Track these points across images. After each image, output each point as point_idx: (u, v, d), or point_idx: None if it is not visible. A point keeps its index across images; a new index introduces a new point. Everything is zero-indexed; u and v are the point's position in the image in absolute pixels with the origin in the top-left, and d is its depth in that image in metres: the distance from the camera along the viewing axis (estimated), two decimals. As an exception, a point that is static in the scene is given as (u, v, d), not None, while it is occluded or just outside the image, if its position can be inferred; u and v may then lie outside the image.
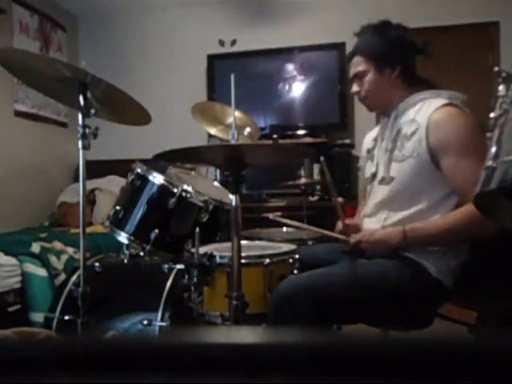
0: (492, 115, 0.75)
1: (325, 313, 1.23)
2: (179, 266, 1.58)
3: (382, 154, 1.45)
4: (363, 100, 1.49)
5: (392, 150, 1.40)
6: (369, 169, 1.53)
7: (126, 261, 1.66)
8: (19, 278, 2.31)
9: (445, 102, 1.33)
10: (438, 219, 1.31)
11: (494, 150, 0.71)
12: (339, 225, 1.54)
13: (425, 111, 1.34)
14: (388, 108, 1.46)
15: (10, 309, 2.23)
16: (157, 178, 1.66)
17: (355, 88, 1.48)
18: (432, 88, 1.42)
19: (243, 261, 1.31)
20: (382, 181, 1.42)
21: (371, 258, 1.35)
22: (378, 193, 1.44)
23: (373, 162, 1.51)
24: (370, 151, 1.56)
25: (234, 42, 3.97)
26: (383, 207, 1.43)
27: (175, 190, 1.62)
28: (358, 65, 1.46)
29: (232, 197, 1.21)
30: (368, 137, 1.64)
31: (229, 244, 1.25)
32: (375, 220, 1.45)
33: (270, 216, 1.62)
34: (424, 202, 1.34)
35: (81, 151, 1.47)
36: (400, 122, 1.40)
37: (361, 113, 3.67)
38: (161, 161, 1.29)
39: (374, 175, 1.48)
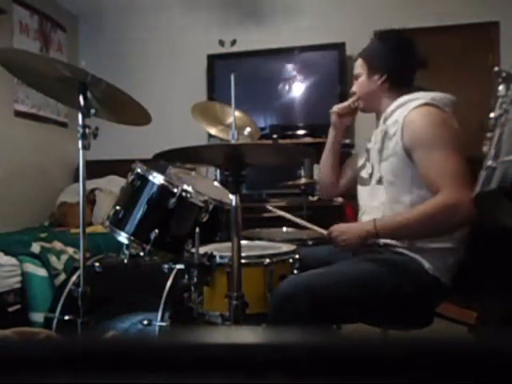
0: (492, 115, 0.75)
1: (324, 312, 1.23)
2: (179, 266, 1.58)
3: (375, 155, 1.48)
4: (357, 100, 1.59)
5: (381, 150, 1.44)
6: (367, 170, 1.55)
7: (126, 261, 1.65)
8: (19, 278, 2.31)
9: (423, 101, 1.35)
10: (410, 210, 1.34)
11: (493, 149, 0.72)
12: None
13: (404, 112, 1.37)
14: (377, 110, 1.54)
15: (10, 309, 2.23)
16: (157, 178, 1.66)
17: (353, 88, 1.59)
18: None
19: (243, 261, 1.31)
20: (379, 181, 1.45)
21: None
22: (376, 193, 1.46)
23: (369, 162, 1.54)
24: (367, 151, 1.58)
25: (234, 42, 3.97)
26: (379, 206, 1.44)
27: (175, 190, 1.62)
28: (357, 67, 1.56)
29: (232, 197, 1.21)
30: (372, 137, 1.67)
31: (229, 244, 1.25)
32: (372, 218, 1.46)
33: (268, 206, 1.72)
34: (412, 199, 1.36)
35: (81, 151, 1.47)
36: (387, 124, 1.43)
37: (361, 113, 3.67)
38: (161, 161, 1.29)
39: (370, 176, 1.51)
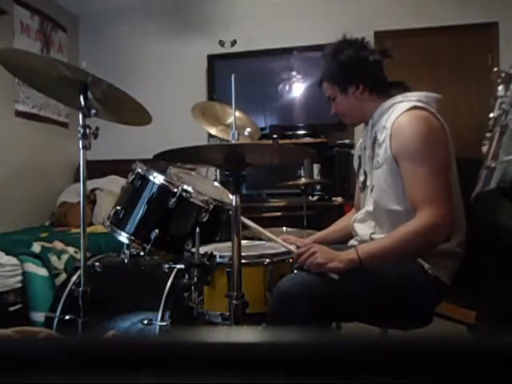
0: (491, 115, 0.75)
1: (323, 311, 1.23)
2: (179, 266, 1.58)
3: (366, 163, 1.48)
4: (342, 118, 1.55)
5: (372, 157, 1.43)
6: (360, 177, 1.55)
7: (126, 261, 1.66)
8: (20, 278, 2.31)
9: (410, 105, 1.33)
10: (392, 232, 1.31)
11: (493, 149, 0.72)
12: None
13: (392, 117, 1.35)
14: (365, 119, 1.50)
15: (11, 308, 2.23)
16: (157, 178, 1.66)
17: (333, 109, 1.54)
18: (404, 91, 1.42)
19: (243, 261, 1.31)
20: (372, 190, 1.44)
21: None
22: (369, 201, 1.46)
23: (361, 170, 1.54)
24: (360, 159, 1.58)
25: (234, 42, 3.97)
26: (371, 215, 1.44)
27: (175, 190, 1.62)
28: (326, 90, 1.53)
29: (232, 197, 1.21)
30: (358, 144, 1.67)
31: (229, 244, 1.25)
32: (365, 226, 1.47)
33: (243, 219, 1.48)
34: (407, 208, 1.33)
35: (81, 151, 1.47)
36: (375, 130, 1.42)
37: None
38: (161, 161, 1.29)
39: (364, 183, 1.50)
